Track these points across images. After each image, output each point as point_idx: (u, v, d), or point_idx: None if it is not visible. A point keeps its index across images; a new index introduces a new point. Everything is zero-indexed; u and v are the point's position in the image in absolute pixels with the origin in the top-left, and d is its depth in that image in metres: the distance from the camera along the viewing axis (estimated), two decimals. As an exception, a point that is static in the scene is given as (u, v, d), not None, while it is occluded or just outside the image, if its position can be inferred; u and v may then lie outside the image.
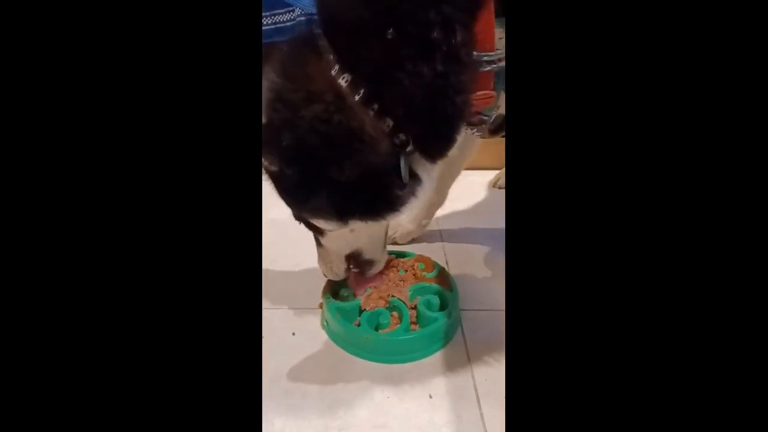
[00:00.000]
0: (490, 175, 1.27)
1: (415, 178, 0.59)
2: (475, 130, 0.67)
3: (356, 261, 0.72)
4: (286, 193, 0.59)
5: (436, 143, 0.58)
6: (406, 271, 0.80)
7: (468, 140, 0.85)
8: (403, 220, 0.98)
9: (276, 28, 1.20)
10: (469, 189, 1.20)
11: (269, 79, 0.55)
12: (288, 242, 0.98)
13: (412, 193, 0.59)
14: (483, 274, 0.90)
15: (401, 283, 0.77)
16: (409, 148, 0.55)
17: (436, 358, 0.70)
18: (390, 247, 0.91)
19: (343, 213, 0.58)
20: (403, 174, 0.56)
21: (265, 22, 1.20)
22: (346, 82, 0.51)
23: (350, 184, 0.55)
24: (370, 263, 0.73)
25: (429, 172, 0.60)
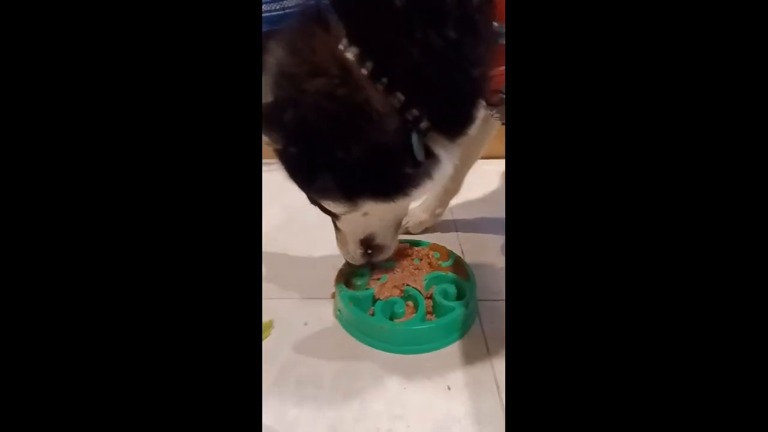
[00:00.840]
0: (504, 164, 1.24)
1: (432, 158, 0.55)
2: (495, 111, 0.64)
3: (368, 245, 0.70)
4: (292, 172, 0.57)
5: (453, 120, 0.54)
6: (421, 259, 0.78)
7: (487, 123, 0.82)
8: (416, 209, 0.96)
9: (284, 13, 1.18)
10: (483, 178, 1.17)
11: (275, 55, 0.53)
12: (299, 230, 0.97)
13: (428, 174, 0.56)
14: (499, 263, 0.87)
15: (416, 271, 0.75)
16: (423, 125, 0.52)
17: (454, 348, 0.68)
18: (404, 237, 0.89)
19: (350, 193, 0.55)
20: (416, 152, 0.53)
21: (272, 8, 1.18)
22: (354, 55, 0.49)
23: (357, 163, 0.52)
24: (380, 248, 0.71)
25: (449, 152, 0.57)
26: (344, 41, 0.49)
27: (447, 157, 0.56)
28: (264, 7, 1.17)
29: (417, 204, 0.96)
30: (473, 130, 0.56)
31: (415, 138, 0.52)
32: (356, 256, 0.71)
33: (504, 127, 0.85)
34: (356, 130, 0.50)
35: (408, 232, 0.95)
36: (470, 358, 0.66)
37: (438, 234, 0.97)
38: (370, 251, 0.71)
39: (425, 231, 0.97)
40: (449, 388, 0.61)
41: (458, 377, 0.63)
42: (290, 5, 1.17)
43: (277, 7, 1.20)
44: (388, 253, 0.73)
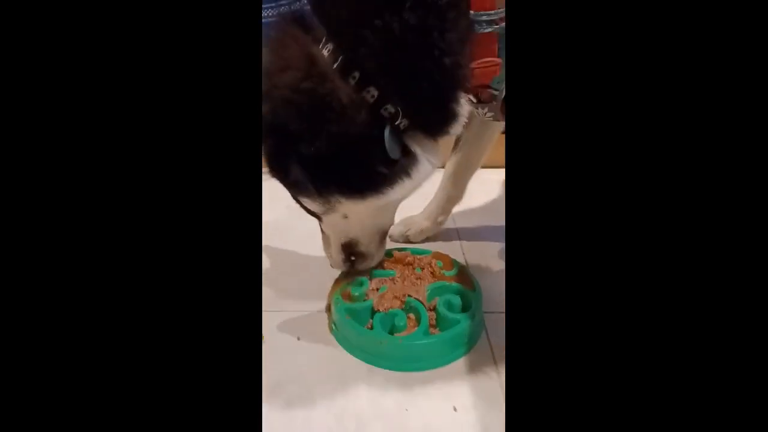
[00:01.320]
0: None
1: (410, 156, 0.54)
2: (486, 109, 0.60)
3: (351, 251, 0.68)
4: (269, 165, 0.56)
5: (431, 116, 0.53)
6: (423, 268, 0.73)
7: (485, 126, 0.79)
8: (417, 217, 0.92)
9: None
10: (484, 186, 1.14)
11: (263, 54, 0.54)
12: (293, 240, 0.93)
13: (405, 173, 0.54)
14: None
15: (418, 281, 0.70)
16: (401, 122, 0.51)
17: (459, 365, 0.63)
18: (404, 245, 0.85)
19: (320, 188, 0.55)
20: (388, 149, 0.51)
21: (270, 14, 1.17)
22: (328, 51, 0.50)
23: (323, 155, 0.51)
24: (363, 256, 0.68)
25: (428, 151, 0.55)
26: (324, 39, 0.51)
27: (424, 157, 0.55)
28: (263, 13, 1.16)
29: (418, 211, 0.93)
30: (456, 127, 0.54)
31: (387, 134, 0.51)
32: (338, 260, 0.70)
33: (502, 136, 0.82)
34: (319, 122, 0.50)
35: (408, 241, 0.91)
36: (477, 375, 0.61)
37: (440, 242, 0.92)
38: (353, 258, 0.69)
39: (426, 240, 0.93)
40: (455, 409, 0.56)
41: (464, 396, 0.58)
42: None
43: (274, 14, 1.19)
44: (371, 263, 0.71)
